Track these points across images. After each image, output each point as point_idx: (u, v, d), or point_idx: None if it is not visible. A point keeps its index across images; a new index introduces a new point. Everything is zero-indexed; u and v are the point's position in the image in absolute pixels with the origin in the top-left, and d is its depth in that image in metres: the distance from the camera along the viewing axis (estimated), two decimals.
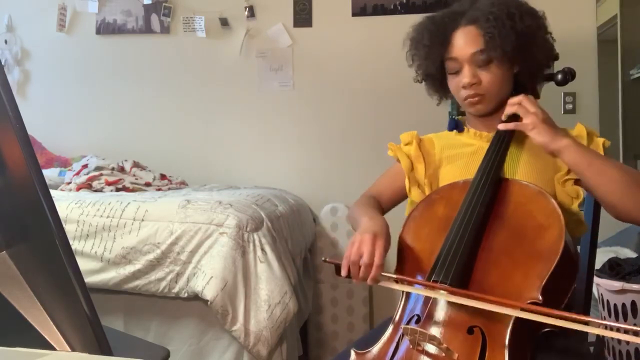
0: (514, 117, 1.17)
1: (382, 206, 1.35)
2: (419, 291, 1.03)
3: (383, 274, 1.04)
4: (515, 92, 1.23)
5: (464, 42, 1.20)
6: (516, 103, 1.13)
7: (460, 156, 1.28)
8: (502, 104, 1.21)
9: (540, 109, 1.12)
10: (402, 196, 1.36)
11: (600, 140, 1.20)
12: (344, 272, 1.06)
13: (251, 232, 1.84)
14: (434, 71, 1.27)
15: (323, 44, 2.84)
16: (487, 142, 1.23)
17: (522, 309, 0.88)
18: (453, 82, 1.25)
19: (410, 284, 1.06)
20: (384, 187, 1.39)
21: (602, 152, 1.17)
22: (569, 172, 1.15)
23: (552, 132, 1.08)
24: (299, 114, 2.88)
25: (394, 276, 1.05)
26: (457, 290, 0.95)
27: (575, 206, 1.16)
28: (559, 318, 0.84)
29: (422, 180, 1.30)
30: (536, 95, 1.31)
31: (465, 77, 1.20)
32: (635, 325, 1.69)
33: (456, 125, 1.33)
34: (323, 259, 1.18)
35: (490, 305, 0.90)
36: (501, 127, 1.16)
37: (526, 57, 1.20)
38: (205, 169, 2.94)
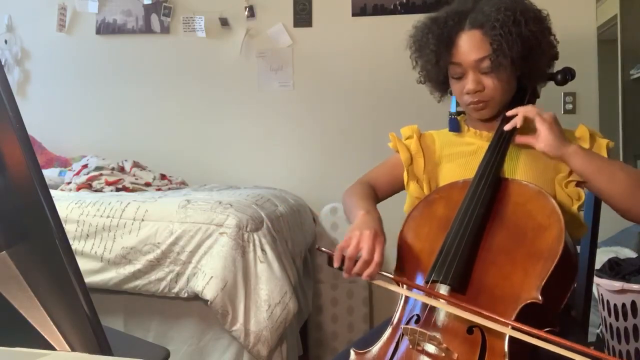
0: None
1: (378, 195, 1.33)
2: (415, 295, 1.03)
3: (380, 272, 1.05)
4: (516, 94, 1.24)
5: (469, 48, 1.17)
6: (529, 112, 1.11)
7: (460, 155, 1.28)
8: (505, 107, 1.21)
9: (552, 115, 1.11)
10: (399, 187, 1.35)
11: (604, 141, 1.20)
12: (336, 264, 1.07)
13: (251, 232, 1.84)
14: (438, 75, 1.26)
15: (323, 44, 2.84)
16: (487, 141, 1.22)
17: (513, 328, 0.88)
18: (456, 87, 1.23)
19: (409, 287, 1.06)
20: (381, 175, 1.37)
21: (605, 154, 1.17)
22: (570, 173, 1.15)
23: (561, 137, 1.08)
24: (299, 114, 2.87)
25: (391, 276, 1.06)
26: (455, 302, 0.94)
27: (575, 208, 1.16)
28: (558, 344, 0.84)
29: (420, 176, 1.30)
30: (536, 95, 1.31)
31: (469, 83, 1.19)
32: (635, 325, 1.70)
33: (457, 127, 1.32)
34: (317, 247, 1.20)
35: (485, 321, 0.90)
36: (507, 127, 1.13)
37: (531, 62, 1.19)
38: (205, 169, 2.94)
